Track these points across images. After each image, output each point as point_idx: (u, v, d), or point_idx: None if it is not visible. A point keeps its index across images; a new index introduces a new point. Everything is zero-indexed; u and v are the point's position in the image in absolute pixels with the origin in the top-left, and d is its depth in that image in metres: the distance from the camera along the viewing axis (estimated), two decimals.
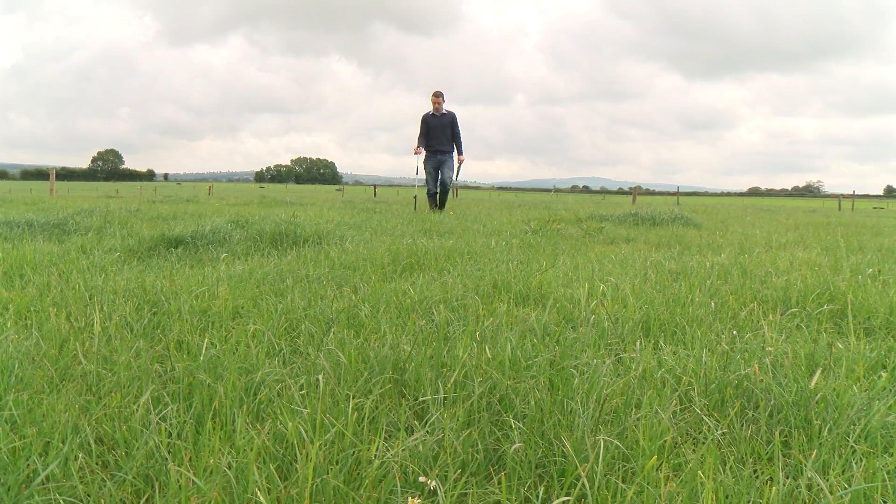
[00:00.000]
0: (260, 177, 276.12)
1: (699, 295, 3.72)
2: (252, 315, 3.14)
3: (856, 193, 48.59)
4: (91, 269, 4.54)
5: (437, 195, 13.25)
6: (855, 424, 1.89)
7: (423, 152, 12.91)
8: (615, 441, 1.58)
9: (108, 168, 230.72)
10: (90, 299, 3.40)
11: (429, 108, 13.07)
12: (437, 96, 12.86)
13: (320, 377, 1.97)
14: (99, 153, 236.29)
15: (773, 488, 1.42)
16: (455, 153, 13.05)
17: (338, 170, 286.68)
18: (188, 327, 2.85)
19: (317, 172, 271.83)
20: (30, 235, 6.71)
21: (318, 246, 6.00)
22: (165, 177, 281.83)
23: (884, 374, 2.41)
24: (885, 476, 1.55)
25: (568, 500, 1.39)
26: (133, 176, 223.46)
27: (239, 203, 18.29)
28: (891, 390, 2.23)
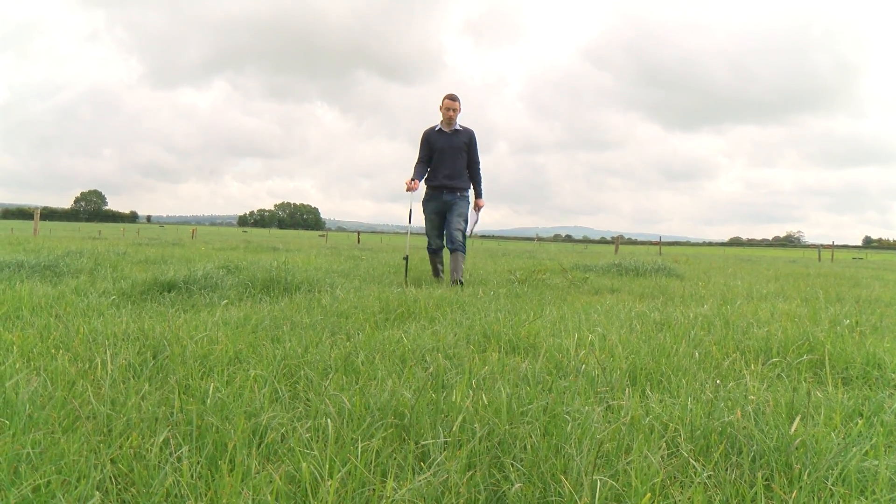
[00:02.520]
0: (243, 221, 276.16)
1: (683, 345, 3.85)
2: (252, 360, 3.23)
3: (835, 244, 49.29)
4: (89, 312, 4.62)
5: (443, 254, 8.68)
6: (833, 468, 2.01)
7: (421, 187, 8.27)
8: (610, 481, 1.69)
9: (90, 209, 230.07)
10: (93, 342, 3.48)
11: (436, 120, 8.39)
12: (453, 100, 8.20)
13: (328, 420, 2.08)
14: (82, 193, 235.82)
15: None
16: (472, 192, 8.45)
17: (321, 215, 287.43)
18: (191, 371, 2.94)
19: (300, 218, 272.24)
20: (22, 277, 6.76)
21: (310, 293, 6.10)
22: (148, 219, 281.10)
23: (860, 421, 2.55)
24: None
25: None
26: (116, 217, 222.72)
27: (225, 248, 18.36)
28: (867, 436, 2.36)
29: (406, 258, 8.52)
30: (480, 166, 8.41)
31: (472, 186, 8.34)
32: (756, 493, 1.82)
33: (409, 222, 8.33)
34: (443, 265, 8.60)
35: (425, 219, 8.37)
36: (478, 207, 8.39)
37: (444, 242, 8.29)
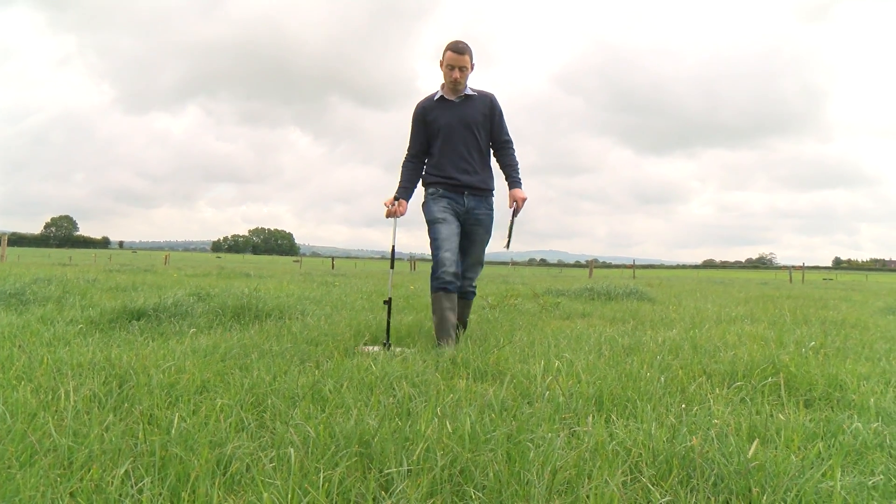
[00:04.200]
0: (217, 246, 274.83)
1: (650, 370, 3.89)
2: (219, 389, 3.22)
3: (805, 265, 50.03)
4: (55, 342, 4.57)
5: (458, 293, 5.16)
6: (790, 490, 2.04)
7: (402, 204, 5.17)
8: None
9: (61, 234, 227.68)
10: (57, 372, 3.45)
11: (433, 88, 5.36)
12: (460, 53, 5.04)
13: (291, 450, 2.08)
14: (52, 219, 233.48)
15: None
16: (511, 173, 5.29)
17: (295, 240, 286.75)
18: (157, 401, 2.93)
19: (274, 243, 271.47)
20: None
21: (280, 320, 6.09)
22: (121, 244, 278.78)
23: (819, 444, 2.59)
24: None
25: None
26: (87, 243, 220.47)
27: (197, 274, 18.25)
28: (825, 458, 2.40)
29: (388, 302, 5.14)
30: (513, 144, 5.32)
31: (506, 177, 5.26)
32: None
33: (393, 251, 5.24)
34: (454, 317, 4.95)
35: (435, 224, 4.98)
36: (517, 206, 5.12)
37: (457, 269, 4.97)
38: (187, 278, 14.65)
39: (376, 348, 4.59)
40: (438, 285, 4.85)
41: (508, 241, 5.13)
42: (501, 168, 5.29)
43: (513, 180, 5.22)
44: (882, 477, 2.26)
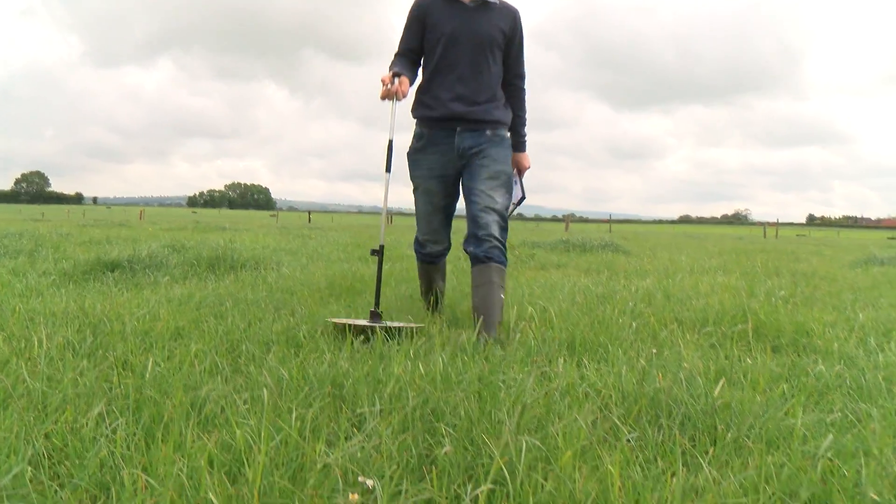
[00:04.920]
0: (193, 202, 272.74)
1: (622, 317, 3.94)
2: (193, 336, 3.23)
3: (779, 221, 50.65)
4: (27, 293, 4.55)
5: (444, 263, 4.34)
6: (753, 428, 2.10)
7: (403, 81, 3.68)
8: (536, 441, 1.75)
9: (32, 190, 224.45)
10: (30, 321, 3.44)
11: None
12: None
13: (264, 391, 2.10)
14: (23, 175, 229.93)
15: (675, 480, 1.60)
16: (516, 128, 4.01)
17: (272, 195, 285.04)
18: (132, 347, 2.93)
19: (251, 198, 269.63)
20: None
21: (256, 271, 6.08)
22: (94, 200, 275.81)
23: (784, 386, 2.66)
24: (773, 467, 1.75)
25: (493, 489, 1.56)
26: (60, 199, 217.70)
27: (173, 228, 18.12)
28: (788, 398, 2.46)
29: (379, 251, 3.77)
30: (525, 85, 4.06)
31: (510, 131, 3.98)
32: (676, 450, 1.89)
33: (388, 172, 3.80)
34: (443, 282, 4.31)
35: (416, 191, 3.98)
36: (520, 171, 4.07)
37: (447, 240, 4.09)
38: (162, 232, 14.55)
39: (362, 322, 3.40)
40: (424, 257, 4.13)
41: (512, 210, 3.95)
42: (515, 101, 3.98)
43: (518, 140, 4.00)
44: (840, 414, 2.33)
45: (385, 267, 4.95)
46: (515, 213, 4.17)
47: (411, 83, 3.77)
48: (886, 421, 2.23)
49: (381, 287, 3.73)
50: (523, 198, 3.99)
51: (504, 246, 3.72)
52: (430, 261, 4.11)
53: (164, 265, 6.16)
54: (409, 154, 3.93)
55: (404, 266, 6.95)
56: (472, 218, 3.68)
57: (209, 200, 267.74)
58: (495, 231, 3.64)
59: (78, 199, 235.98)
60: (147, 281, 5.45)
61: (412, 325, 3.41)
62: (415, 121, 3.93)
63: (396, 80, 3.64)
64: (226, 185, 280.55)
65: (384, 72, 3.70)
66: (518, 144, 3.98)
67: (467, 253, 3.68)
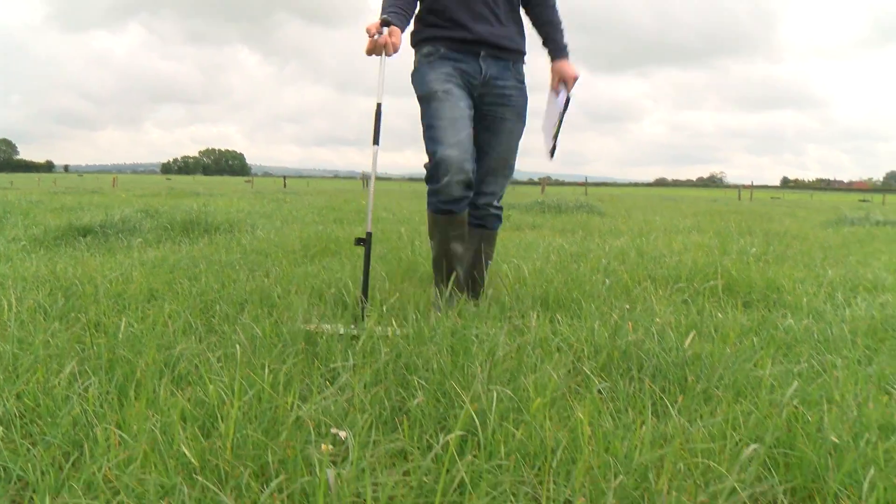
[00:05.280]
0: (167, 168, 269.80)
1: (596, 274, 3.97)
2: (167, 297, 3.22)
3: (754, 184, 51.07)
4: None
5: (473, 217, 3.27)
6: (723, 378, 2.14)
7: (394, 32, 2.90)
8: (508, 391, 1.77)
9: (0, 158, 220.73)
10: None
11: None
12: None
13: (237, 348, 2.11)
14: None
15: (644, 428, 1.63)
16: (552, 36, 3.32)
17: (247, 161, 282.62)
18: (104, 309, 2.91)
19: (225, 164, 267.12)
20: None
21: (230, 234, 6.05)
22: (66, 168, 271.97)
23: (753, 338, 2.70)
24: (740, 415, 1.79)
25: (465, 438, 1.58)
26: (29, 167, 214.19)
27: (147, 194, 17.94)
28: (758, 350, 2.50)
29: (366, 240, 2.89)
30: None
31: (544, 41, 3.36)
32: (646, 400, 1.93)
33: (376, 143, 2.98)
34: (465, 251, 3.24)
35: (432, 99, 3.05)
36: (565, 84, 3.29)
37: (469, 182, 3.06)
38: (136, 198, 14.40)
39: (342, 330, 2.54)
40: (440, 202, 3.02)
41: (553, 146, 3.20)
42: (537, 28, 3.34)
43: (556, 47, 3.30)
44: (806, 364, 2.38)
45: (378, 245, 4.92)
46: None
47: (409, 16, 3.08)
48: (849, 370, 2.28)
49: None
50: (563, 114, 3.16)
51: (499, 209, 3.35)
52: (450, 208, 3.01)
53: (138, 230, 6.10)
54: (418, 69, 3.11)
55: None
56: (485, 174, 3.20)
57: (183, 167, 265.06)
58: (499, 198, 3.29)
59: (48, 167, 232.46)
60: (120, 245, 5.41)
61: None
62: (418, 47, 3.18)
63: (385, 30, 2.91)
64: (200, 152, 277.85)
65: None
66: (559, 51, 3.29)
67: (474, 210, 3.24)
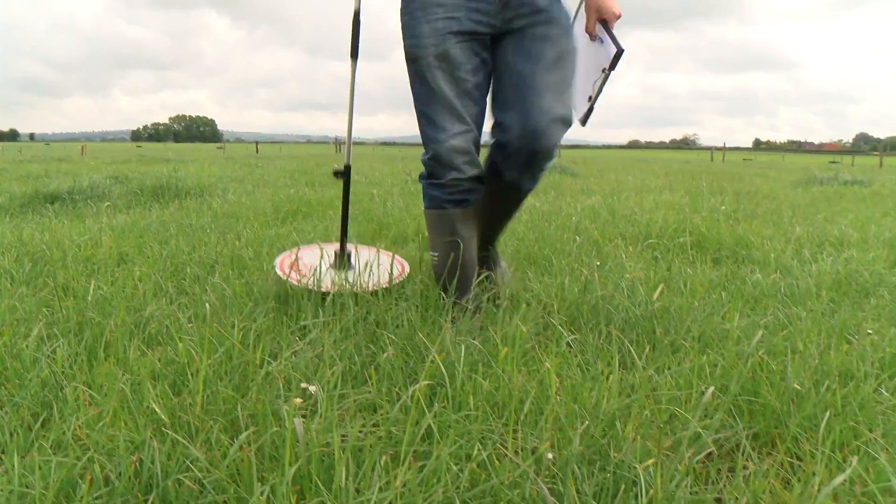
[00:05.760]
0: (137, 136, 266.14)
1: (567, 232, 3.99)
2: (137, 261, 3.19)
3: (726, 146, 51.31)
4: None
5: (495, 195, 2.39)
6: (690, 330, 2.17)
7: None
8: (476, 343, 1.79)
9: None
10: None
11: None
12: None
13: (207, 306, 2.10)
14: None
15: (612, 378, 1.66)
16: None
17: (218, 127, 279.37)
18: (73, 274, 2.89)
19: (196, 130, 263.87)
20: None
21: (201, 198, 6.00)
22: (31, 137, 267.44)
23: (722, 292, 2.74)
24: (707, 366, 1.82)
25: (434, 389, 1.59)
26: None
27: (116, 161, 17.69)
28: (725, 304, 2.54)
29: (345, 172, 2.69)
30: None
31: None
32: (613, 351, 1.95)
33: (354, 58, 2.60)
34: (477, 246, 2.44)
35: (420, 64, 2.23)
36: (605, 25, 2.25)
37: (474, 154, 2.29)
38: (105, 165, 14.19)
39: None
40: (444, 197, 2.30)
41: (590, 108, 2.32)
42: None
43: None
44: (772, 317, 2.42)
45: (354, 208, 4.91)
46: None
47: None
48: (814, 321, 2.32)
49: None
50: (621, 51, 2.16)
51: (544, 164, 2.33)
52: (456, 201, 2.29)
53: (107, 196, 6.03)
54: (406, 8, 2.27)
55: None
56: (525, 119, 2.18)
57: (154, 134, 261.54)
58: (551, 158, 2.29)
59: (13, 135, 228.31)
60: (89, 211, 5.34)
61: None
62: None
63: None
64: (170, 118, 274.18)
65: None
66: None
67: (493, 164, 2.32)
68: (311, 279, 2.37)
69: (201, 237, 3.78)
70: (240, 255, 3.22)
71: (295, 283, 2.41)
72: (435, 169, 2.26)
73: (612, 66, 2.21)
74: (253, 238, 3.72)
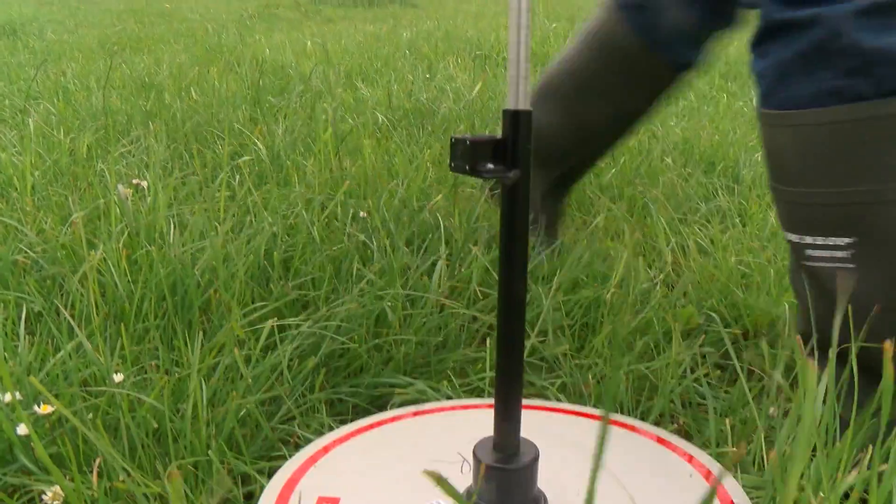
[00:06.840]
0: None
1: (399, 51, 4.07)
2: None
3: None
4: None
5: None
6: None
7: None
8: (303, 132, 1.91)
9: None
10: None
11: None
12: None
13: (30, 122, 2.09)
14: None
15: (430, 151, 1.82)
16: None
17: None
18: None
19: None
20: None
21: (13, 38, 5.60)
22: None
23: None
24: None
25: (259, 172, 1.71)
26: None
27: None
28: None
29: None
30: None
31: None
32: (437, 142, 2.12)
33: None
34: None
35: None
36: None
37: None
38: None
39: None
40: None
41: None
42: None
43: None
44: None
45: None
46: None
47: None
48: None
49: None
50: None
51: None
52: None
53: None
54: None
55: None
56: None
57: None
58: None
59: None
60: None
61: None
62: None
63: None
64: None
65: None
66: None
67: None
68: None
69: (18, 73, 3.61)
70: (65, 86, 3.12)
71: None
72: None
73: None
74: (79, 71, 3.58)
